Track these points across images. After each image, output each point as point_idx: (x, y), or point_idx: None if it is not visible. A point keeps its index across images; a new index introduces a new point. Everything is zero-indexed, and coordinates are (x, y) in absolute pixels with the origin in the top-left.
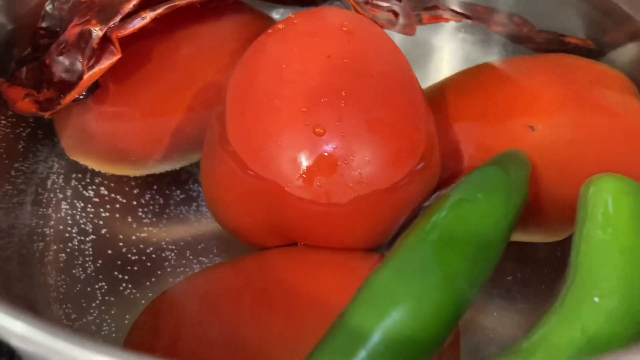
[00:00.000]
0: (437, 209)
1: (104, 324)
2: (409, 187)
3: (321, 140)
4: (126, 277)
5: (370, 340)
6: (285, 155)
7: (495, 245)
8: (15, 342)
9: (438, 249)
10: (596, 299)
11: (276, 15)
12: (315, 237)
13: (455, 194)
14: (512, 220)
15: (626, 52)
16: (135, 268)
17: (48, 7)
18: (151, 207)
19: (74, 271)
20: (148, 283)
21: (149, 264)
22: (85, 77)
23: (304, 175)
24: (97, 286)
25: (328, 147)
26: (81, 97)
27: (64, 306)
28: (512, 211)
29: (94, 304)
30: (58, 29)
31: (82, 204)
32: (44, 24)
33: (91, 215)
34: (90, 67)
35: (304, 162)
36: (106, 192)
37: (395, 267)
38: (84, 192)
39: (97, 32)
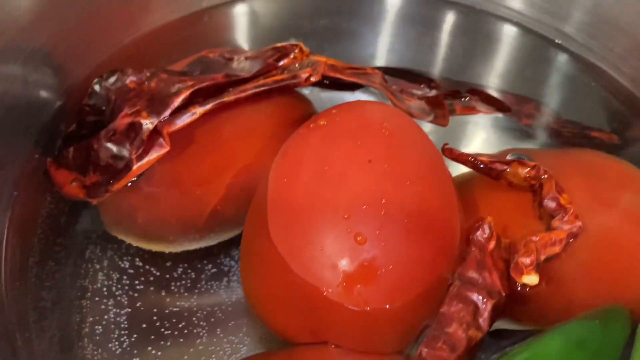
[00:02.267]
0: (518, 353)
1: None
2: (441, 289)
3: (362, 249)
4: (159, 353)
5: None
6: (326, 261)
7: None
8: None
9: None
10: None
11: (306, 90)
12: (348, 340)
13: (541, 344)
14: None
15: None
16: (169, 344)
17: (95, 86)
18: (184, 281)
19: (110, 345)
20: None
21: (181, 340)
22: (135, 167)
23: (344, 283)
24: None
25: (368, 256)
26: (129, 184)
27: None
28: None
29: None
30: (104, 108)
31: (118, 276)
32: (90, 102)
33: (126, 287)
34: (139, 157)
35: (345, 269)
36: (141, 264)
37: None
38: (120, 263)
39: (148, 125)
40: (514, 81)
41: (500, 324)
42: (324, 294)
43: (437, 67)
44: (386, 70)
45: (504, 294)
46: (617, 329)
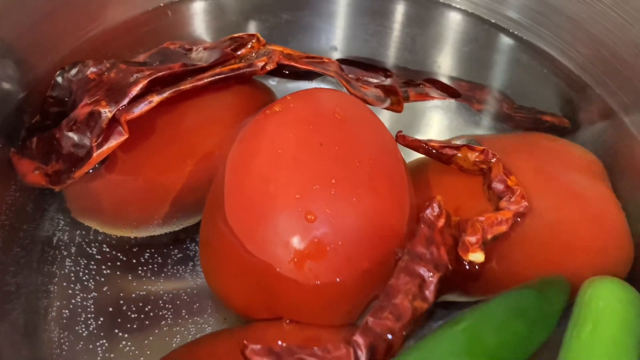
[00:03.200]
0: (462, 320)
1: None
2: (390, 263)
3: (312, 226)
4: (126, 335)
5: None
6: (278, 239)
7: None
8: None
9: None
10: None
11: (272, 82)
12: (301, 314)
13: (484, 311)
14: (532, 349)
15: (595, 131)
16: (135, 326)
17: (58, 78)
18: (150, 266)
19: (76, 328)
20: (146, 341)
21: (147, 322)
22: (95, 154)
23: (295, 260)
24: (98, 343)
25: (318, 233)
26: (90, 170)
27: None
28: (535, 342)
29: None
30: (66, 99)
31: (86, 261)
32: (53, 93)
33: (94, 272)
34: (99, 145)
35: (296, 246)
36: (108, 249)
37: None
38: (88, 249)
39: (107, 113)
40: (467, 69)
41: (452, 297)
42: (277, 270)
43: (393, 57)
44: (345, 61)
45: (450, 268)
46: (555, 296)
